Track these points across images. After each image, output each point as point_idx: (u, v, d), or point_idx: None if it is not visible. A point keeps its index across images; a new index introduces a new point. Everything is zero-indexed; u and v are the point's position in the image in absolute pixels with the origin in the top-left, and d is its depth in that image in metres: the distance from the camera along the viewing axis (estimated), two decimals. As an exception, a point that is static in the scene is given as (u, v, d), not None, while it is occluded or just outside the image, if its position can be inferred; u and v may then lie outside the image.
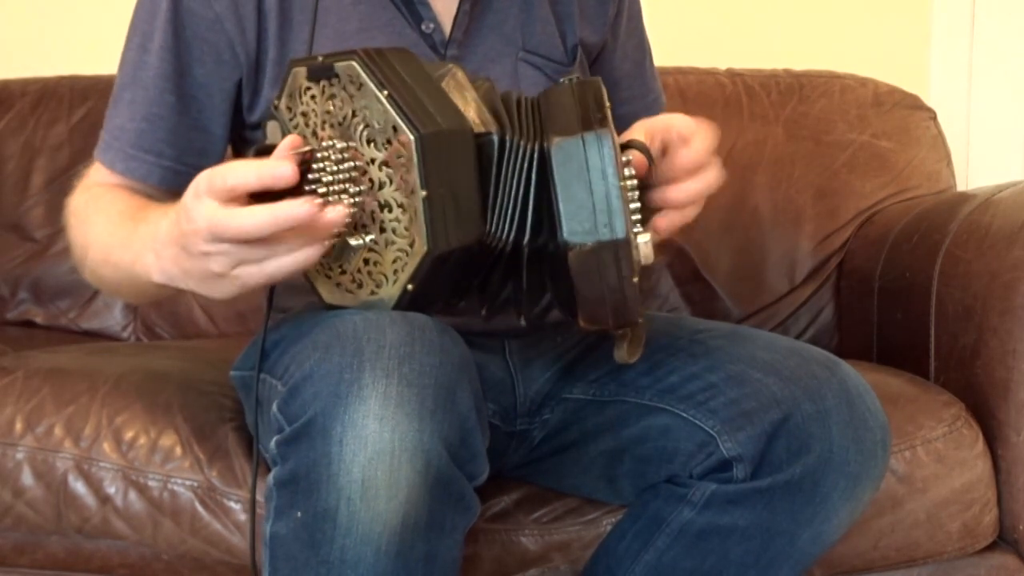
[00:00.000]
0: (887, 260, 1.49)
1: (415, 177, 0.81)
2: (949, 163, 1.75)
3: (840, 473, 0.93)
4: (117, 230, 0.98)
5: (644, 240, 0.87)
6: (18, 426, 1.15)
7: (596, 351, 1.08)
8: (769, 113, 1.75)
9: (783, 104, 1.76)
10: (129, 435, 1.14)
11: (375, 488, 0.78)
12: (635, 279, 0.87)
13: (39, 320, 1.73)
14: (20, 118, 1.79)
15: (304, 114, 0.88)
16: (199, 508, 1.11)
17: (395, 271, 0.85)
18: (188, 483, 1.11)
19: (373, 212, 0.85)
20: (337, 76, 0.85)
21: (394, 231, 0.84)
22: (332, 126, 0.85)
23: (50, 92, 1.81)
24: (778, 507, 0.94)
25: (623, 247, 0.86)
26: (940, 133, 1.77)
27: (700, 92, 1.76)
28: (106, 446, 1.13)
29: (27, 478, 1.13)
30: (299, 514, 0.81)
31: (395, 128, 0.81)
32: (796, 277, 1.68)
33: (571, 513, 1.12)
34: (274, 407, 0.86)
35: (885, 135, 1.72)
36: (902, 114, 1.75)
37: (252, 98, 1.07)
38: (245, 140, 1.11)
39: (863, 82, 1.78)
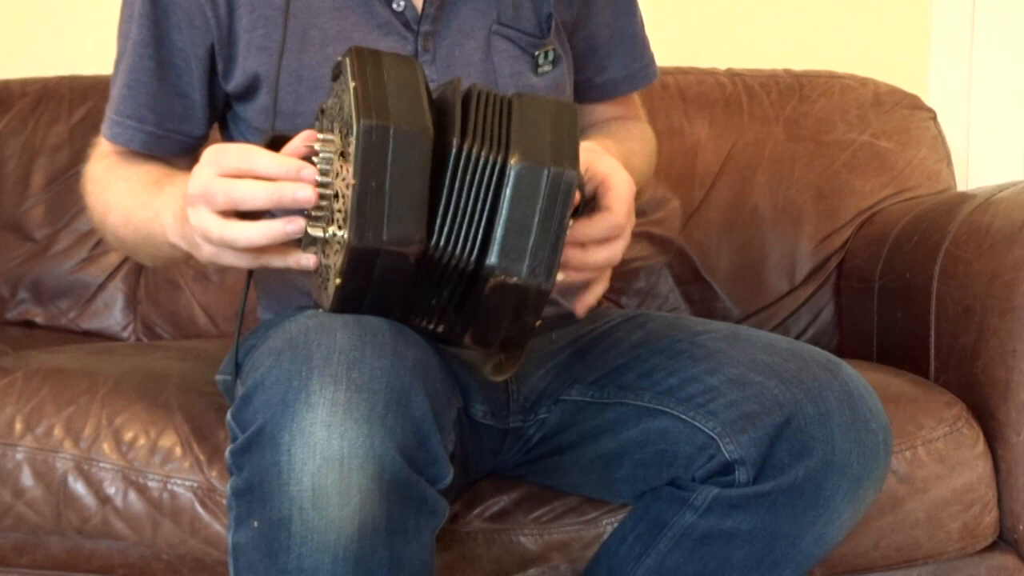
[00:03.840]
0: (887, 260, 1.49)
1: (353, 166, 0.80)
2: (949, 163, 1.75)
3: (842, 475, 0.93)
4: (139, 193, 1.00)
5: (557, 280, 0.85)
6: (18, 426, 1.15)
7: (593, 352, 1.07)
8: (769, 113, 1.75)
9: (783, 104, 1.76)
10: (129, 435, 1.14)
11: (326, 496, 0.77)
12: (538, 323, 0.86)
13: (39, 320, 1.73)
14: (20, 118, 1.79)
15: (322, 110, 0.89)
16: (199, 508, 1.11)
17: (335, 264, 0.83)
18: (188, 483, 1.11)
19: (331, 202, 0.84)
20: (342, 72, 0.85)
21: (338, 223, 0.83)
22: (331, 119, 0.86)
23: (50, 92, 1.81)
24: (780, 510, 0.94)
25: (542, 296, 0.84)
26: (940, 133, 1.77)
27: (700, 92, 1.76)
28: (106, 446, 1.13)
29: (27, 478, 1.13)
30: (256, 524, 0.80)
31: (350, 117, 0.81)
32: (796, 277, 1.68)
33: (571, 512, 1.12)
34: (228, 416, 0.85)
35: (885, 135, 1.72)
36: (902, 114, 1.75)
37: (226, 65, 1.07)
38: (233, 112, 1.12)
39: (863, 82, 1.78)
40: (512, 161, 0.83)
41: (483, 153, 0.84)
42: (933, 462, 1.17)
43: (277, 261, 0.88)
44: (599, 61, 1.20)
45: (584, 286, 0.94)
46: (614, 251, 0.93)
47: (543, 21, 1.13)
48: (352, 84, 0.82)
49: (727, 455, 0.95)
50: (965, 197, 1.40)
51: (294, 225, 0.84)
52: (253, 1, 1.05)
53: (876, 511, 1.14)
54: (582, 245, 0.91)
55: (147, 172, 1.04)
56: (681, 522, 0.98)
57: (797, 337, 1.63)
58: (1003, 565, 1.23)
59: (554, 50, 1.13)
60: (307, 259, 0.87)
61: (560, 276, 0.85)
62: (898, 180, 1.70)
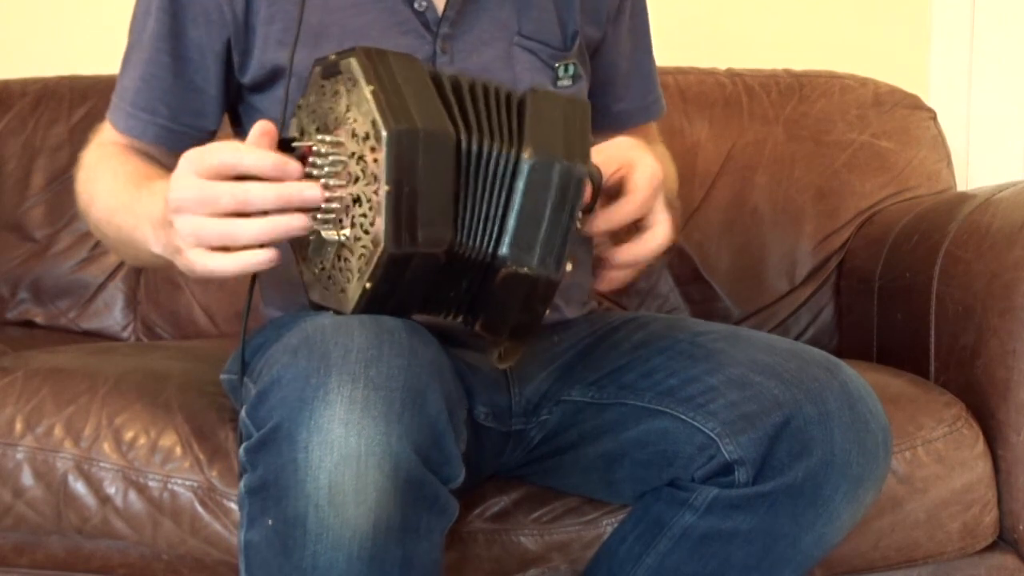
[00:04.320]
0: (887, 260, 1.49)
1: (383, 172, 0.81)
2: (949, 163, 1.75)
3: (842, 476, 0.93)
4: (122, 193, 1.00)
5: (567, 270, 0.88)
6: (18, 426, 1.15)
7: (595, 353, 1.07)
8: (769, 113, 1.75)
9: (783, 104, 1.76)
10: (129, 435, 1.14)
11: (343, 493, 0.77)
12: (547, 312, 0.88)
13: (39, 320, 1.74)
14: (20, 118, 1.79)
15: (313, 110, 0.88)
16: (199, 508, 1.11)
17: (359, 268, 0.84)
18: (188, 483, 1.11)
19: (348, 207, 0.84)
20: (341, 73, 0.85)
21: (362, 227, 0.83)
22: (331, 121, 0.86)
23: (50, 92, 1.81)
24: (780, 511, 0.94)
25: (552, 287, 0.86)
26: (940, 133, 1.77)
27: (700, 92, 1.76)
28: (106, 446, 1.13)
29: (27, 478, 1.13)
30: (270, 521, 0.80)
31: (373, 123, 0.81)
32: (796, 277, 1.68)
33: (571, 513, 1.12)
34: (243, 413, 0.85)
35: (885, 135, 1.72)
36: (902, 114, 1.75)
37: (242, 59, 1.08)
38: (247, 103, 1.12)
39: (863, 82, 1.78)
40: (525, 155, 0.86)
41: (495, 148, 0.86)
42: (933, 462, 1.17)
43: (230, 265, 0.85)
44: (616, 90, 1.23)
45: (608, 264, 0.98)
46: (649, 245, 0.96)
47: (568, 37, 1.14)
48: (370, 88, 0.82)
49: (727, 455, 0.95)
50: (965, 197, 1.40)
51: (299, 220, 0.84)
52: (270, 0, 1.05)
53: (876, 511, 1.14)
54: (617, 240, 0.95)
55: (133, 169, 1.04)
56: (681, 522, 0.98)
57: (797, 337, 1.63)
58: (1003, 565, 1.23)
59: (574, 64, 1.14)
60: (267, 255, 0.84)
61: (568, 267, 0.87)
62: (898, 180, 1.70)
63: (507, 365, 0.92)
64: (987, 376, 1.22)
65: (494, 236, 0.87)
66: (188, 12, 1.06)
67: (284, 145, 0.88)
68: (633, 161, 0.96)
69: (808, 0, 2.04)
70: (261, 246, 0.85)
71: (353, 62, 0.84)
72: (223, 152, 0.84)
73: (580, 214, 0.87)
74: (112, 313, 1.73)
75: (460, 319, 0.91)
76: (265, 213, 0.85)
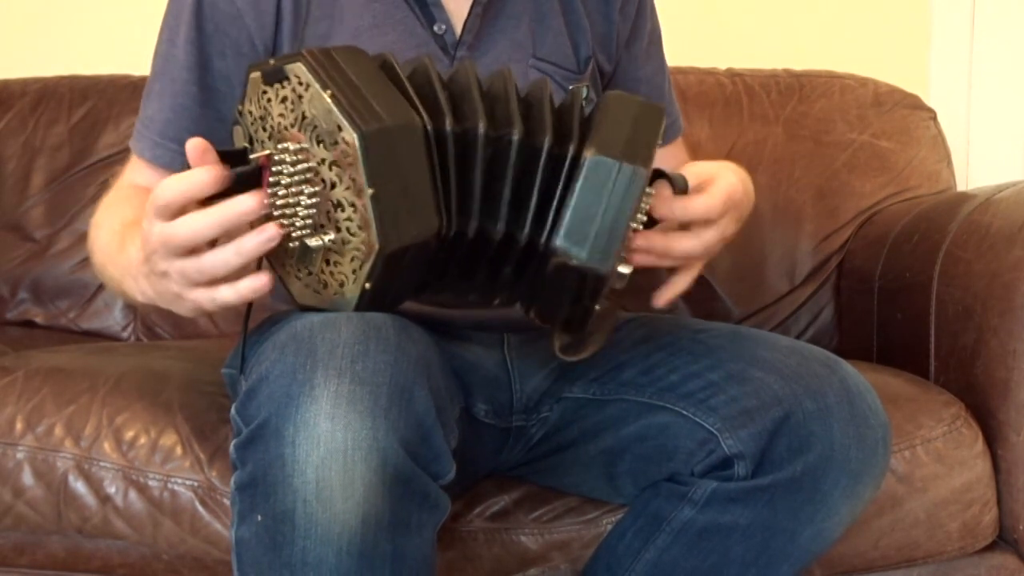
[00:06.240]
0: (887, 260, 1.49)
1: (362, 175, 0.81)
2: (949, 163, 1.75)
3: (841, 471, 0.93)
4: (113, 241, 1.00)
5: (624, 271, 0.90)
6: (18, 426, 1.15)
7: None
8: (769, 113, 1.75)
9: (783, 104, 1.76)
10: (129, 435, 1.14)
11: (330, 488, 0.77)
12: (597, 307, 0.89)
13: (39, 320, 1.74)
14: (20, 118, 1.79)
15: (261, 118, 0.87)
16: (199, 508, 1.11)
17: (353, 271, 0.85)
18: (188, 483, 1.11)
19: (328, 212, 0.84)
20: (288, 78, 0.84)
21: (349, 230, 0.84)
22: (286, 128, 0.85)
23: (50, 92, 1.81)
24: (779, 505, 0.94)
25: (601, 280, 0.87)
26: (940, 133, 1.77)
27: (700, 92, 1.77)
28: (106, 446, 1.13)
29: (27, 478, 1.13)
30: (260, 517, 0.80)
31: (339, 127, 0.81)
32: (796, 277, 1.68)
33: (571, 512, 1.12)
34: (233, 410, 0.86)
35: (885, 135, 1.72)
36: (902, 114, 1.75)
37: None
38: None
39: (863, 82, 1.78)
40: (588, 153, 0.87)
41: (558, 145, 0.89)
42: (932, 461, 1.17)
43: (230, 295, 0.85)
44: None
45: (666, 278, 0.98)
46: (701, 241, 0.96)
47: (581, 60, 1.15)
48: (328, 92, 0.82)
49: (727, 450, 0.95)
50: (965, 197, 1.40)
51: (267, 233, 0.83)
52: (296, 31, 1.06)
53: (875, 510, 1.14)
54: (665, 232, 0.95)
55: (131, 215, 1.02)
56: (680, 517, 0.98)
57: (797, 337, 1.63)
58: (1003, 565, 1.23)
59: (588, 88, 1.15)
60: (261, 280, 0.84)
61: (626, 268, 0.89)
62: (898, 180, 1.70)
63: (574, 359, 0.93)
64: (987, 376, 1.23)
65: (548, 225, 0.88)
66: (215, 45, 1.07)
67: (238, 156, 0.87)
68: (716, 173, 0.97)
69: (808, 0, 2.04)
70: (259, 267, 0.85)
71: (301, 66, 0.83)
72: (166, 190, 0.83)
73: (643, 205, 0.89)
74: (112, 313, 1.73)
75: (519, 306, 0.94)
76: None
